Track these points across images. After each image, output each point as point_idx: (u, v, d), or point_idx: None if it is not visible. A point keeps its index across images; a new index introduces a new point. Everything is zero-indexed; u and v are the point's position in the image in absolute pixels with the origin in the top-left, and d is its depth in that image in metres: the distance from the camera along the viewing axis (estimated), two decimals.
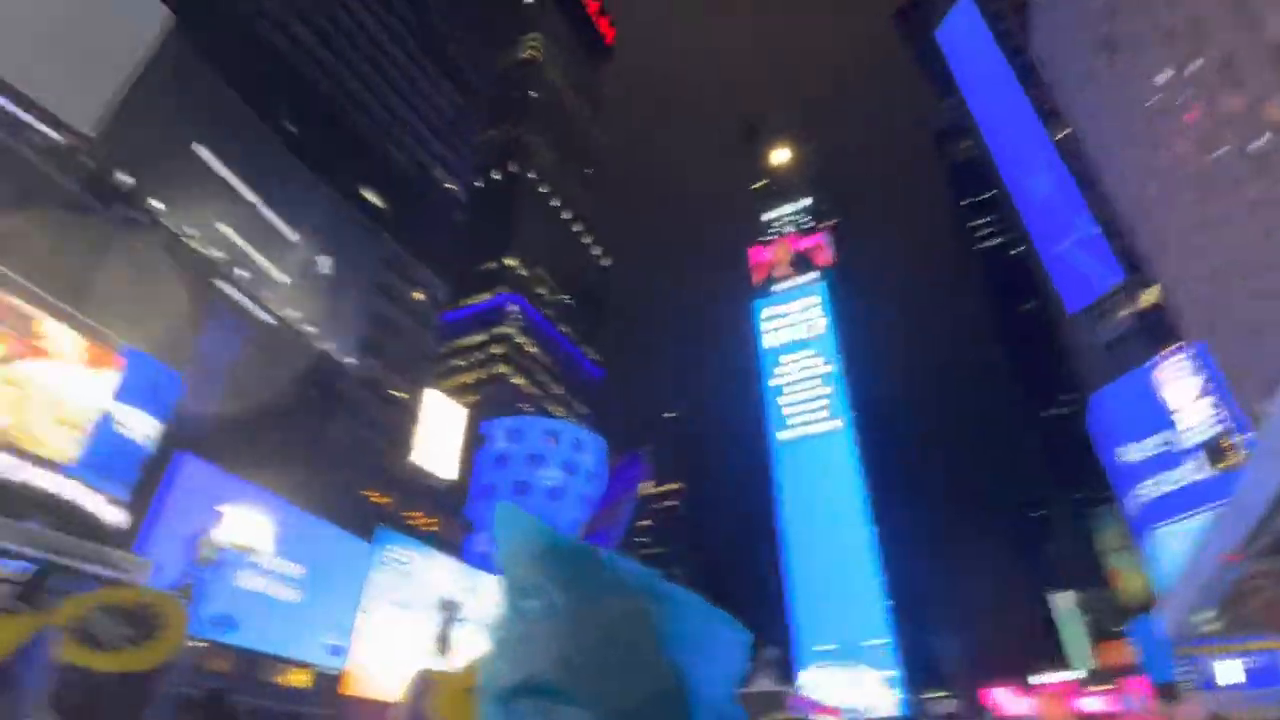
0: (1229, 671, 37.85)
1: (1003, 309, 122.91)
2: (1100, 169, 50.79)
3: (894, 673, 75.92)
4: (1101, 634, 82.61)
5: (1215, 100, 31.61)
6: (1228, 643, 26.43)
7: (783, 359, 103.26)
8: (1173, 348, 46.38)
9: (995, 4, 74.67)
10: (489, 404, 78.02)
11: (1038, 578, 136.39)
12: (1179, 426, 46.38)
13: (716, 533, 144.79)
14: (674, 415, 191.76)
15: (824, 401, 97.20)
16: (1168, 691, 47.36)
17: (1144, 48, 37.16)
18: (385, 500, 51.04)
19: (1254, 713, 27.15)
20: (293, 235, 47.10)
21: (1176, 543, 46.77)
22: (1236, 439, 40.62)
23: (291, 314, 46.06)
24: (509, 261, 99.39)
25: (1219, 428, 42.74)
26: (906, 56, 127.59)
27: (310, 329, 47.16)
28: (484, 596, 40.57)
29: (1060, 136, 62.23)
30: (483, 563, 46.86)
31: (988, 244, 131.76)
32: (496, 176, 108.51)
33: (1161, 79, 35.92)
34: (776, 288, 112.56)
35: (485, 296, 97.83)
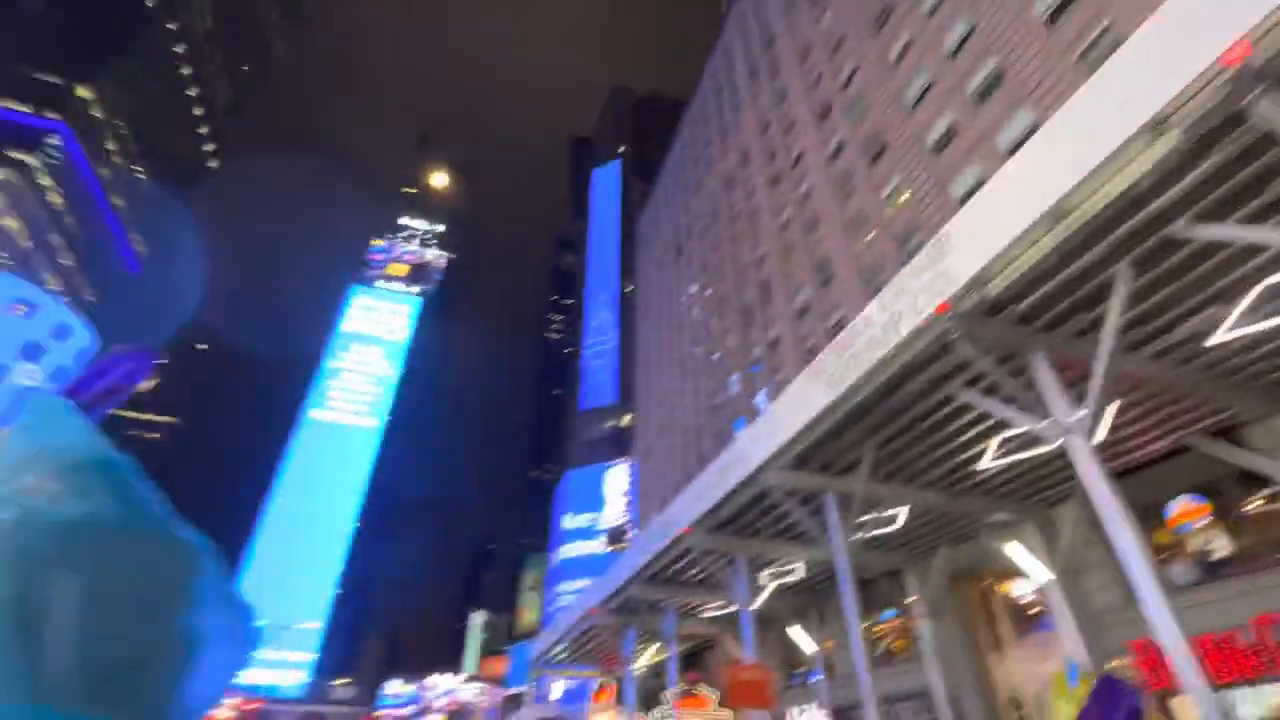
0: (558, 689, 46.14)
1: (541, 387, 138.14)
2: (638, 322, 62.81)
3: (311, 656, 71.16)
4: (491, 650, 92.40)
5: (709, 319, 42.64)
6: (564, 669, 32.38)
7: (353, 346, 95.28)
8: (622, 459, 57.98)
9: (632, 178, 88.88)
10: None
11: (470, 597, 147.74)
12: (605, 512, 57.37)
13: (190, 482, 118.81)
14: (204, 348, 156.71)
15: (370, 399, 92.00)
16: (515, 698, 55.01)
17: (693, 262, 48.47)
18: None
19: (566, 716, 33.32)
20: None
21: (567, 597, 56.39)
22: (630, 531, 51.84)
23: None
24: (81, 90, 71.19)
25: (624, 520, 54.14)
26: (564, 174, 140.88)
27: None
28: None
29: (627, 290, 75.33)
30: None
31: (553, 336, 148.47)
32: None
33: (692, 288, 47.02)
34: (380, 283, 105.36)
35: (23, 108, 67.34)
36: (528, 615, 77.72)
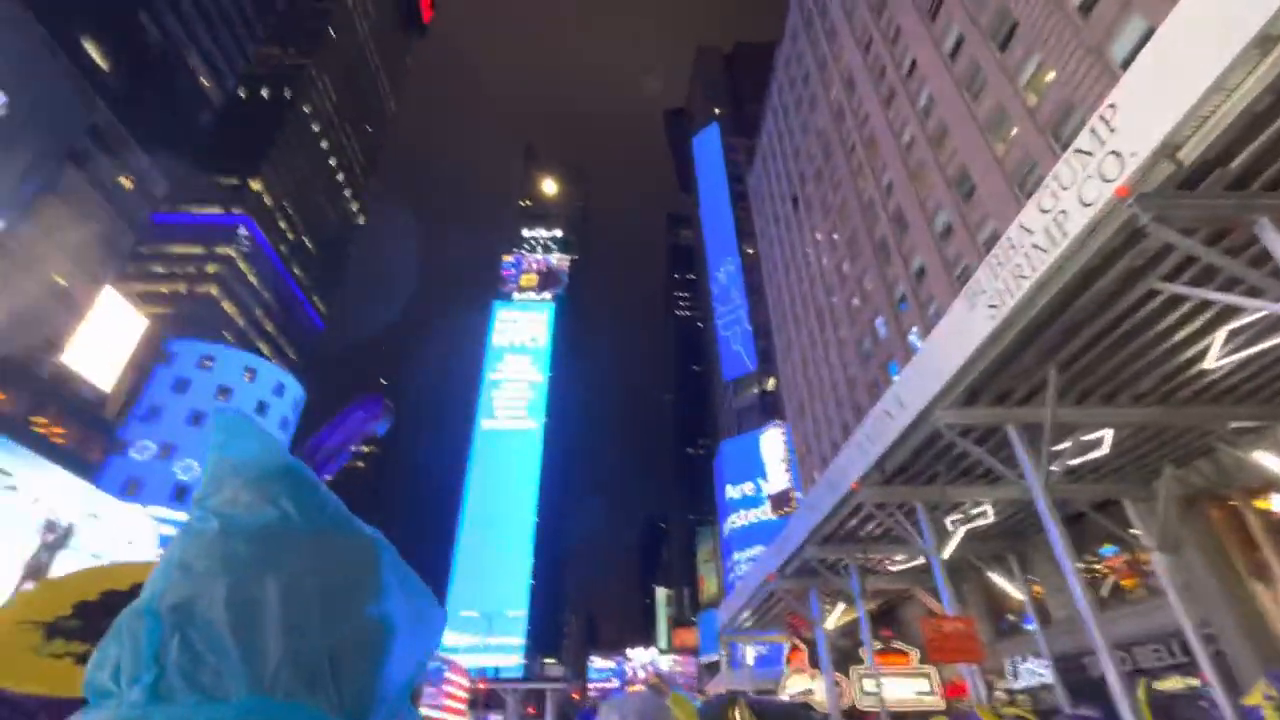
0: (750, 655, 46.83)
1: (680, 364, 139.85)
2: (764, 283, 61.23)
3: (522, 640, 78.87)
4: (679, 622, 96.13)
5: (840, 264, 40.49)
6: (753, 635, 32.81)
7: (506, 357, 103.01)
8: (773, 422, 57.09)
9: (732, 138, 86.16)
10: (185, 322, 63.85)
11: (650, 575, 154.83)
12: (767, 478, 56.97)
13: (394, 501, 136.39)
14: (386, 383, 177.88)
15: (525, 403, 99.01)
16: (711, 666, 56.83)
17: (813, 210, 46.19)
18: (0, 396, 38.24)
19: (759, 684, 33.86)
20: None
21: (743, 565, 56.96)
22: (795, 494, 51.14)
23: None
24: (254, 184, 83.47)
25: (786, 485, 53.44)
26: (665, 149, 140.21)
27: None
28: (109, 526, 32.45)
29: (748, 252, 73.60)
30: (120, 491, 37.65)
31: (683, 313, 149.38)
32: (265, 95, 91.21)
33: (819, 235, 44.88)
34: (516, 296, 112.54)
35: (216, 210, 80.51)
36: (709, 586, 79.72)
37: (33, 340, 38.50)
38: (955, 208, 26.04)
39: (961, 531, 16.71)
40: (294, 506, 0.74)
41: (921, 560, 20.33)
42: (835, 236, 41.36)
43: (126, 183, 48.67)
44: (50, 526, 28.42)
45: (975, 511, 17.32)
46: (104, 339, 42.54)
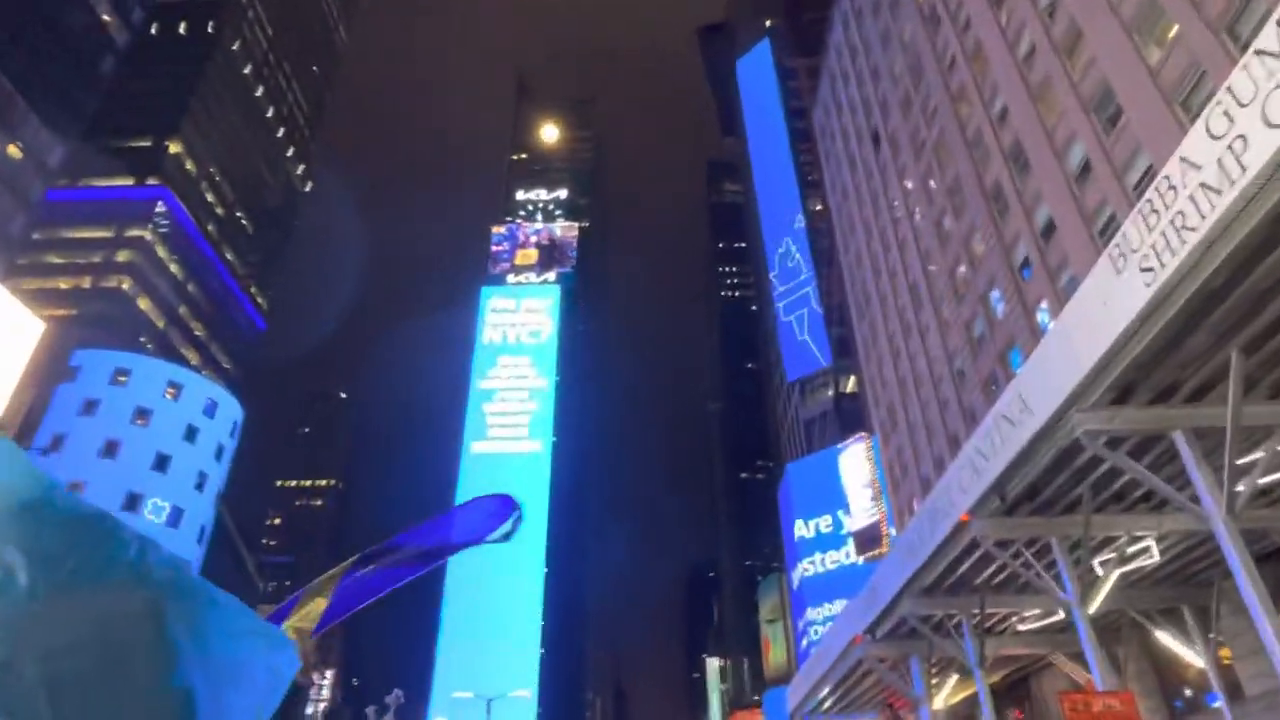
0: None
1: (729, 361, 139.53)
2: (839, 251, 60.71)
3: None
4: (737, 703, 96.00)
5: (941, 220, 39.99)
6: None
7: (500, 359, 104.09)
8: (856, 436, 56.60)
9: (790, 59, 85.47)
10: (92, 325, 66.03)
11: (698, 640, 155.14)
12: (849, 509, 56.52)
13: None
14: (345, 397, 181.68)
15: (528, 418, 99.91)
16: None
17: (900, 149, 45.68)
18: None
19: None
20: None
21: (818, 627, 56.59)
22: (887, 531, 50.65)
23: None
24: (172, 146, 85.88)
25: (875, 518, 52.95)
26: (703, 80, 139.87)
27: None
28: None
29: (815, 209, 73.00)
30: None
31: (731, 294, 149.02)
32: (182, 31, 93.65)
33: (909, 183, 44.41)
34: (511, 278, 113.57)
35: (125, 182, 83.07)
36: (775, 654, 79.41)
37: None
38: (1095, 138, 25.46)
39: (1115, 576, 16.34)
40: (24, 561, 0.68)
41: (1060, 615, 19.95)
42: (932, 183, 40.81)
43: (14, 151, 50.59)
44: None
45: (1134, 549, 16.92)
46: None
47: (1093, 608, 15.30)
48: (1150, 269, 10.06)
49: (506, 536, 3.98)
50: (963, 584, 19.07)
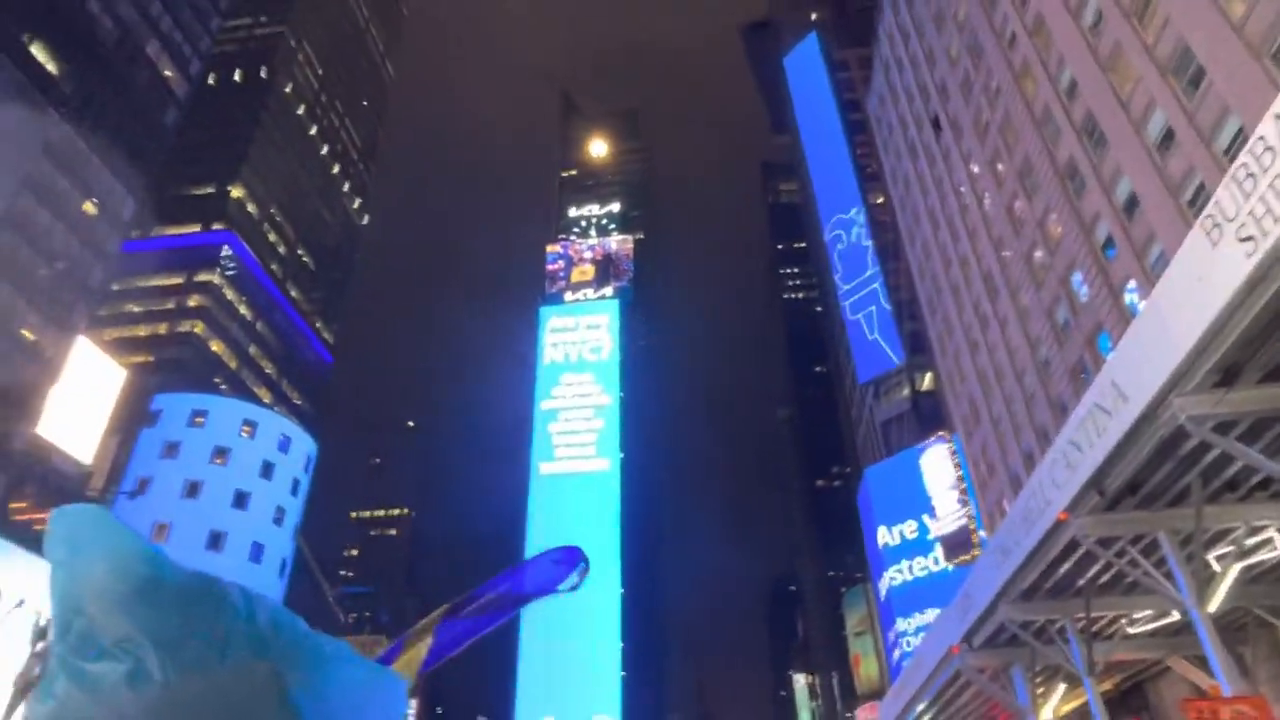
0: None
1: (797, 366, 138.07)
2: (905, 244, 59.59)
3: None
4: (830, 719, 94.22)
5: (1012, 203, 38.95)
6: None
7: (562, 378, 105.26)
8: (937, 436, 55.23)
9: (840, 50, 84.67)
10: (169, 370, 69.54)
11: (783, 656, 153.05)
12: (935, 513, 55.16)
13: (440, 573, 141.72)
14: (414, 425, 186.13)
15: (594, 436, 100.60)
16: None
17: (964, 134, 44.70)
18: None
19: None
20: None
21: (910, 639, 55.25)
22: (977, 533, 49.22)
23: None
24: (234, 191, 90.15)
25: (963, 521, 51.51)
26: (751, 80, 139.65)
27: None
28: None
29: (876, 202, 71.90)
30: None
31: (794, 295, 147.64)
32: (238, 79, 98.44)
33: (975, 167, 43.43)
34: (569, 296, 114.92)
35: (192, 229, 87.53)
36: (866, 668, 77.75)
37: (5, 409, 43.14)
38: (1176, 103, 24.49)
39: (1235, 571, 15.53)
40: (152, 649, 0.67)
41: (1176, 616, 19.08)
42: (999, 166, 39.88)
43: (90, 208, 53.89)
44: (42, 633, 31.62)
45: (1253, 541, 16.07)
46: (80, 400, 47.04)
47: (1212, 606, 14.57)
48: (1250, 238, 9.58)
49: (574, 588, 4.27)
50: (1065, 586, 18.48)
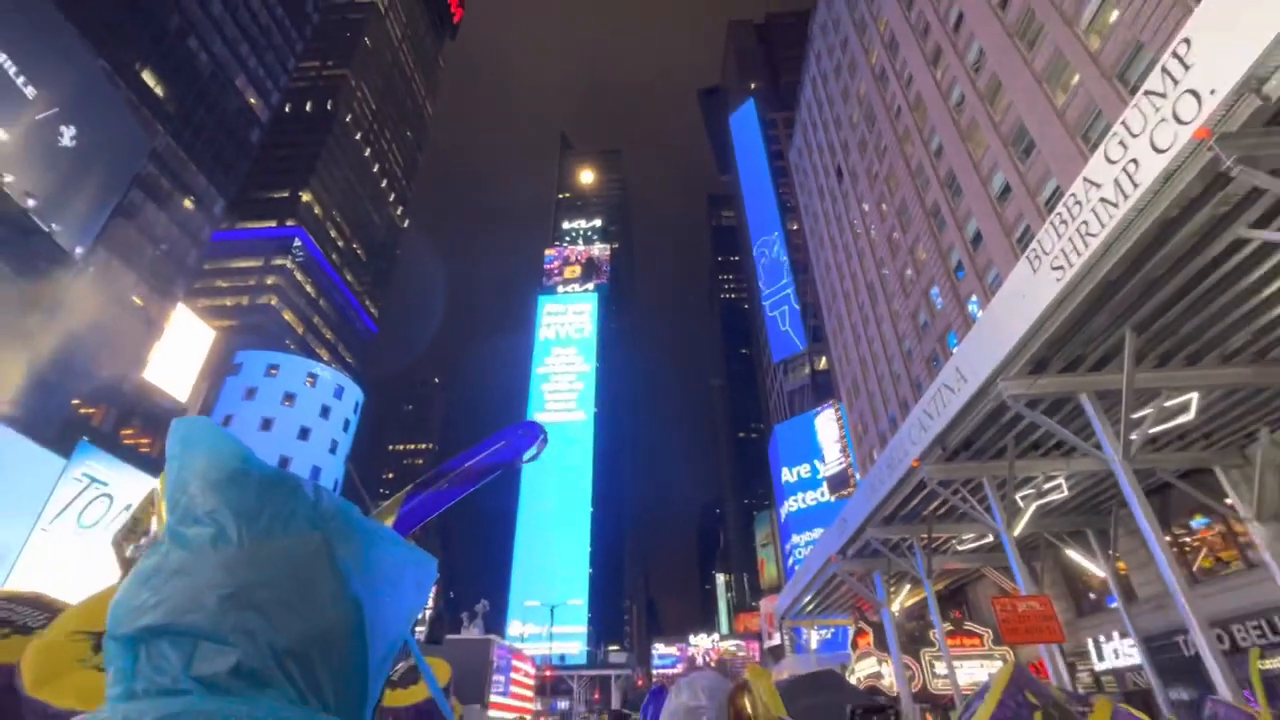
0: (814, 639, 46.47)
1: (729, 348, 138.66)
2: (811, 260, 59.87)
3: (584, 628, 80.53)
4: (740, 607, 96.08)
5: (891, 234, 39.20)
6: (815, 619, 32.47)
7: (553, 350, 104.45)
8: (827, 403, 56.02)
9: (771, 112, 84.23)
10: (249, 333, 67.27)
11: (709, 562, 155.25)
12: (824, 459, 56.07)
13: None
14: (438, 382, 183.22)
15: (575, 394, 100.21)
16: (774, 650, 56.75)
17: (859, 180, 44.79)
18: (94, 412, 41.35)
19: (825, 665, 33.52)
20: (28, 89, 36.03)
21: (802, 550, 56.35)
22: (853, 476, 50.14)
23: (7, 178, 35.09)
24: (304, 196, 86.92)
25: (843, 466, 52.45)
26: (704, 131, 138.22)
27: (30, 200, 36.15)
28: None
29: (792, 228, 72.07)
30: None
31: (729, 296, 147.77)
32: (308, 109, 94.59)
33: (866, 206, 43.55)
34: (561, 288, 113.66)
35: (269, 224, 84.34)
36: (769, 571, 79.34)
37: (119, 358, 41.37)
38: (1013, 167, 24.77)
39: (1033, 508, 16.03)
40: (233, 519, 0.77)
41: (991, 539, 19.65)
42: (884, 206, 40.07)
43: (188, 203, 51.52)
44: (133, 521, 30.75)
45: (1048, 486, 16.59)
46: (178, 353, 45.34)
47: (1016, 532, 15.06)
48: (1060, 267, 9.80)
49: (534, 457, 3.80)
50: (914, 515, 18.88)
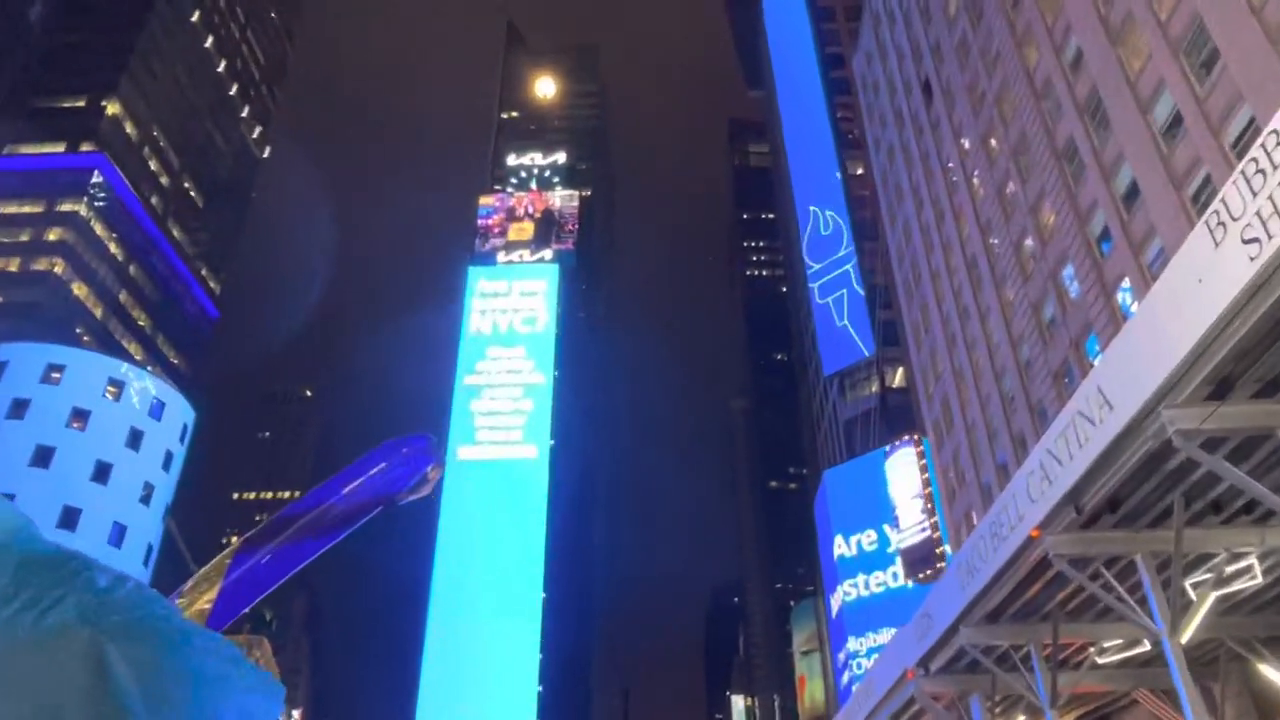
0: None
1: (757, 352, 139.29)
2: (884, 222, 60.30)
3: None
4: None
5: (1004, 184, 39.58)
6: None
7: (489, 351, 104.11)
8: (905, 438, 56.29)
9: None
10: (20, 316, 66.59)
11: (720, 675, 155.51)
12: (898, 523, 56.31)
13: (325, 574, 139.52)
14: (311, 395, 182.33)
15: (522, 419, 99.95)
16: None
17: (957, 102, 45.21)
18: None
19: None
20: None
21: (863, 660, 56.48)
22: (942, 548, 50.40)
23: None
24: (109, 107, 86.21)
25: (927, 533, 52.71)
26: (725, 22, 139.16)
27: None
28: None
29: (856, 173, 72.53)
30: None
31: (757, 271, 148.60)
32: None
33: (966, 141, 43.98)
34: (502, 257, 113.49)
35: (55, 149, 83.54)
36: (811, 691, 79.47)
37: None
38: (1186, 87, 25.11)
39: (1211, 600, 16.19)
40: None
41: (1147, 646, 19.82)
42: (993, 142, 40.42)
43: None
44: None
45: (1233, 569, 16.73)
46: None
47: (1185, 636, 15.15)
48: (1255, 240, 9.90)
49: (423, 493, 3.69)
50: (1032, 610, 18.94)
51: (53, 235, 79.83)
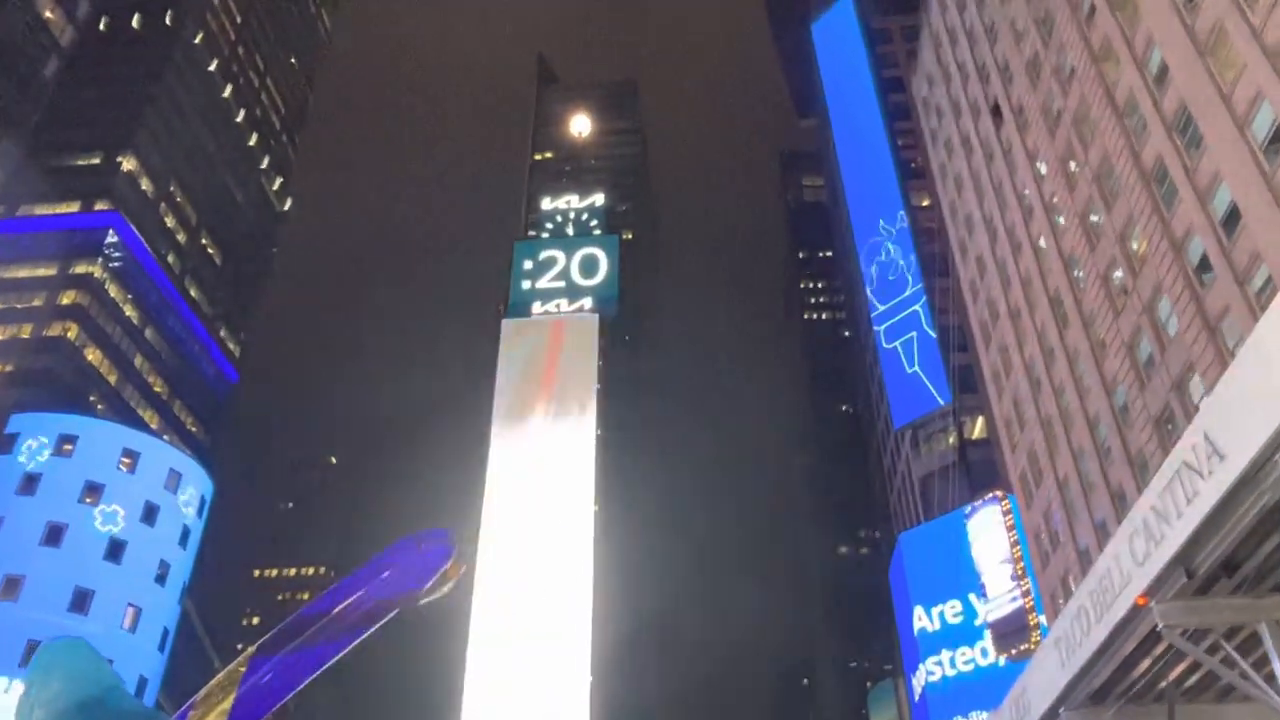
0: None
1: (819, 403, 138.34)
2: (955, 257, 59.97)
3: None
4: None
5: (1086, 211, 39.30)
6: None
7: None
8: (989, 496, 55.25)
9: (881, 18, 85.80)
10: (32, 384, 68.85)
11: None
12: (984, 592, 55.05)
13: (362, 648, 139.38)
14: (337, 462, 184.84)
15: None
16: None
17: (1030, 125, 45.20)
18: None
19: None
20: None
21: None
22: (1034, 620, 49.09)
23: None
24: (125, 163, 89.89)
25: (1018, 603, 51.40)
26: (772, 50, 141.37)
27: None
28: None
29: (921, 205, 72.55)
30: None
31: (817, 315, 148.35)
32: (136, 25, 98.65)
33: (1043, 167, 43.87)
34: (537, 307, 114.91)
35: (70, 209, 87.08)
36: None
37: None
38: None
39: None
40: None
41: None
42: (1072, 166, 40.30)
43: None
44: None
45: None
46: None
47: None
48: None
49: (443, 591, 3.86)
50: (1144, 689, 18.38)
51: (66, 299, 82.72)
